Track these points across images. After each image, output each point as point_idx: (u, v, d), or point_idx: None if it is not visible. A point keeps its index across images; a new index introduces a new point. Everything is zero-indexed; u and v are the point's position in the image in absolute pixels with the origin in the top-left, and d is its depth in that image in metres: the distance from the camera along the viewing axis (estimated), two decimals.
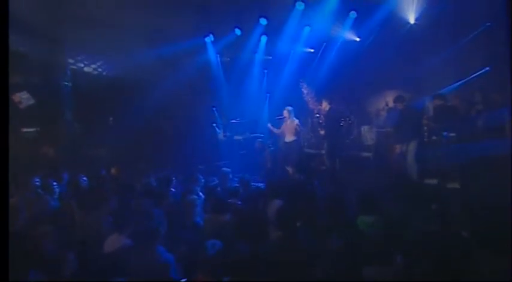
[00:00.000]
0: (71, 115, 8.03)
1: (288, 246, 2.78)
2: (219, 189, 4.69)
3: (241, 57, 8.64)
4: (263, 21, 7.25)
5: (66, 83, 7.84)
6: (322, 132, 6.51)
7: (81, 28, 6.95)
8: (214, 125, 9.02)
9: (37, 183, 5.08)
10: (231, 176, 5.36)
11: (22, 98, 8.59)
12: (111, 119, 9.44)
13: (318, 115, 7.45)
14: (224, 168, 5.47)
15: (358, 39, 7.62)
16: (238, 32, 7.77)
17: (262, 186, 4.74)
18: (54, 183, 5.07)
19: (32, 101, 8.52)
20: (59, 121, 7.99)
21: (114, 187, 4.51)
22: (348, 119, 7.75)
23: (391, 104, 6.05)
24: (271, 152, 7.40)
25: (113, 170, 5.08)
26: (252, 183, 5.43)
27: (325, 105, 6.57)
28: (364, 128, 7.60)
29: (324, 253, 2.81)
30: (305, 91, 7.99)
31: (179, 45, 7.76)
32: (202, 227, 3.56)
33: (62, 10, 6.82)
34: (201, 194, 4.58)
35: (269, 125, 7.15)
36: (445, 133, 5.37)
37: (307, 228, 3.37)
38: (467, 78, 5.98)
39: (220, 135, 8.80)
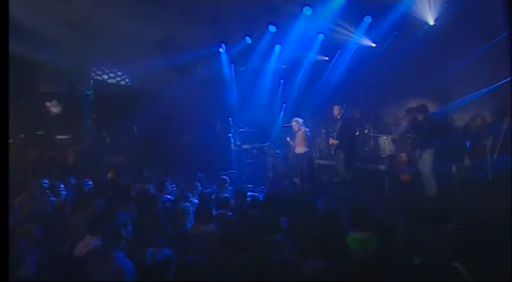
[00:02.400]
0: (91, 122, 8.48)
1: (257, 262, 2.52)
2: (213, 197, 4.55)
3: (255, 67, 8.61)
4: (272, 29, 7.17)
5: (88, 92, 8.34)
6: (334, 142, 6.08)
7: (102, 40, 7.40)
8: (230, 135, 8.97)
9: (45, 185, 5.31)
10: (228, 184, 5.19)
11: (51, 107, 9.30)
12: (135, 128, 9.87)
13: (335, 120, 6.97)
14: (222, 177, 5.32)
15: (374, 45, 7.22)
16: (248, 40, 7.77)
17: (260, 197, 4.53)
18: (62, 186, 5.28)
19: (60, 109, 9.19)
20: (80, 128, 8.49)
21: (110, 191, 4.55)
22: (363, 128, 7.31)
23: (410, 113, 5.54)
24: (275, 160, 7.11)
25: (109, 174, 5.16)
26: (252, 194, 5.26)
27: (337, 113, 6.16)
28: (382, 139, 7.07)
29: (301, 274, 2.50)
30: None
31: (192, 56, 7.93)
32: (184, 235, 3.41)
33: (84, 24, 7.31)
34: (196, 201, 4.50)
35: (288, 138, 6.89)
36: (468, 144, 4.77)
37: (293, 244, 3.09)
38: (497, 84, 5.30)
39: (233, 144, 8.73)
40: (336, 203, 5.06)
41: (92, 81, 8.52)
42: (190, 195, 4.59)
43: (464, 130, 5.20)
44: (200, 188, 4.96)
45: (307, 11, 6.22)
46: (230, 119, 9.15)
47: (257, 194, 5.50)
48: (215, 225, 3.33)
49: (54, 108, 9.04)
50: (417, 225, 3.60)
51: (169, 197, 4.72)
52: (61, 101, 8.69)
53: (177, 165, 7.31)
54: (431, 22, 6.00)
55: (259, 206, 4.12)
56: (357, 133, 7.04)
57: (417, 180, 5.23)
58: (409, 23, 6.18)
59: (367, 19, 6.77)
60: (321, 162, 7.40)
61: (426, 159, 4.99)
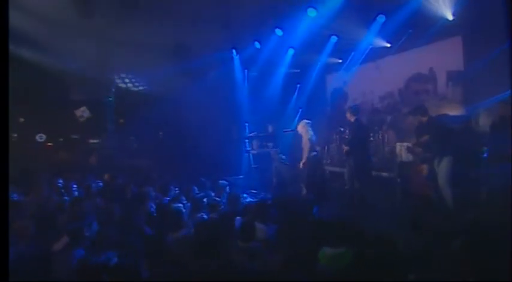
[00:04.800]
0: (113, 127, 9.03)
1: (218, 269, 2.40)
2: (205, 200, 4.51)
3: (267, 71, 8.57)
4: (279, 32, 7.08)
5: (110, 99, 8.90)
6: (346, 148, 5.73)
7: (122, 49, 7.88)
8: (247, 140, 8.95)
9: (60, 184, 5.67)
10: (228, 189, 5.13)
11: (81, 112, 10.05)
12: (160, 133, 10.35)
13: (342, 129, 6.72)
14: (221, 181, 5.27)
15: (388, 45, 6.79)
16: (257, 45, 7.76)
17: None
18: (74, 186, 5.60)
19: (89, 115, 9.91)
20: (104, 132, 9.10)
21: (108, 192, 4.73)
22: (377, 133, 6.85)
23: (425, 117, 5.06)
24: (280, 166, 6.89)
25: (106, 176, 5.36)
26: (251, 200, 5.14)
27: (349, 117, 5.82)
28: (399, 145, 6.54)
29: None
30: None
31: (205, 62, 8.09)
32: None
33: (106, 35, 7.84)
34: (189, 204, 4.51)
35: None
36: (486, 149, 4.22)
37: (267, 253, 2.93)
38: None
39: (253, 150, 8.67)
40: (336, 213, 4.77)
41: (113, 89, 9.08)
42: (184, 199, 4.61)
43: (492, 126, 4.58)
44: (197, 192, 4.96)
45: (311, 12, 6.05)
46: (246, 124, 9.15)
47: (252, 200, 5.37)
48: (188, 230, 3.27)
49: (84, 114, 9.81)
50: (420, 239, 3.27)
51: (168, 198, 4.80)
52: (89, 107, 9.42)
53: (186, 169, 7.43)
54: (450, 17, 5.46)
55: (251, 212, 4.00)
56: (371, 138, 6.62)
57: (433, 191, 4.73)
58: (425, 19, 5.69)
59: (380, 18, 6.39)
60: (332, 168, 7.04)
61: (441, 167, 4.50)
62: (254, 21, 6.89)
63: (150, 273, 2.30)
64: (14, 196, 4.61)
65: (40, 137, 10.04)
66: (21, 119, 9.75)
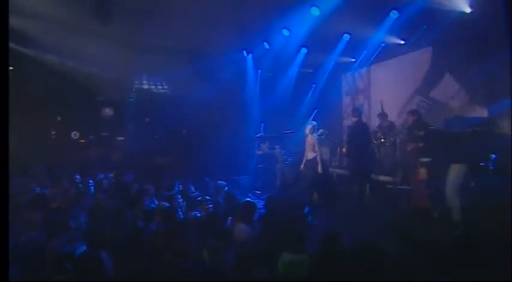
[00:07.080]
0: (133, 126, 9.62)
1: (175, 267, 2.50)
2: (199, 199, 4.64)
3: (279, 71, 8.54)
4: (285, 32, 6.99)
5: (131, 99, 9.48)
6: (343, 149, 5.59)
7: (141, 53, 8.34)
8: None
9: (77, 179, 6.18)
10: (226, 189, 5.22)
11: (106, 112, 10.84)
12: (184, 131, 10.85)
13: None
14: (219, 182, 5.38)
15: (402, 42, 6.40)
16: (266, 45, 7.74)
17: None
18: (90, 181, 6.08)
19: (112, 115, 10.67)
20: (125, 131, 9.73)
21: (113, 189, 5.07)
22: (388, 136, 6.50)
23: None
24: (284, 167, 6.81)
25: (113, 173, 5.71)
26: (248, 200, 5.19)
27: (351, 118, 5.67)
28: (403, 148, 6.14)
29: None
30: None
31: (218, 63, 8.27)
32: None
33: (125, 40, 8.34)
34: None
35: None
36: (493, 156, 3.82)
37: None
38: None
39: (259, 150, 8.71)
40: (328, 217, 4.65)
41: (134, 90, 9.66)
42: (180, 197, 4.79)
43: None
44: (193, 191, 5.13)
45: (314, 11, 5.90)
46: (262, 124, 9.19)
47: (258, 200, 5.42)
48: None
49: (108, 113, 10.59)
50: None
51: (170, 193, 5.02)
52: (113, 107, 10.17)
53: (195, 167, 7.66)
54: (467, 9, 5.01)
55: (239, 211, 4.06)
56: (382, 140, 6.32)
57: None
58: (441, 13, 5.28)
59: (394, 14, 6.04)
60: (339, 171, 6.82)
61: (451, 176, 4.15)
62: (261, 21, 6.88)
63: (117, 265, 2.44)
64: (36, 189, 5.12)
65: (74, 135, 11.03)
66: (59, 118, 10.78)
